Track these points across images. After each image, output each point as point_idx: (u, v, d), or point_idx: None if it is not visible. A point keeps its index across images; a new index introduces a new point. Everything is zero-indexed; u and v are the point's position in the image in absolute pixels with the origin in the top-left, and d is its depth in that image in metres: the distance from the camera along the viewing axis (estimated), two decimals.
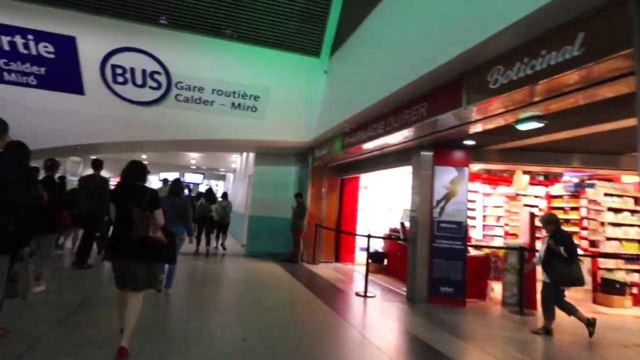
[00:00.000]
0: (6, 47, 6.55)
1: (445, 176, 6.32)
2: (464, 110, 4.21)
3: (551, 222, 5.03)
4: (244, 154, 13.90)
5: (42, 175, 5.13)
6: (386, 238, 8.44)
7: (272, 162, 10.65)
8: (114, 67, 7.01)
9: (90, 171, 6.70)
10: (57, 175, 5.30)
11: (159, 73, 7.19)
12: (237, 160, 17.38)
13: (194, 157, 18.24)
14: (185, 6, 6.52)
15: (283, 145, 9.38)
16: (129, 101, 7.48)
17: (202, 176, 24.64)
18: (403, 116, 5.46)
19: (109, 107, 7.54)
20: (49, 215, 4.80)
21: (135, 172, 3.53)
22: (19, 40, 6.49)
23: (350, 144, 7.29)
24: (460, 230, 6.08)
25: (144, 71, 7.13)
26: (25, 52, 6.64)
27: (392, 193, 10.26)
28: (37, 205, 3.05)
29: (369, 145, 6.82)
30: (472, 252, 6.64)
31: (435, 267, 6.02)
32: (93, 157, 18.70)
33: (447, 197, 6.26)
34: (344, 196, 9.90)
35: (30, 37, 6.49)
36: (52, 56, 6.76)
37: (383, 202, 10.34)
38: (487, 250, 6.87)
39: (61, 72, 6.98)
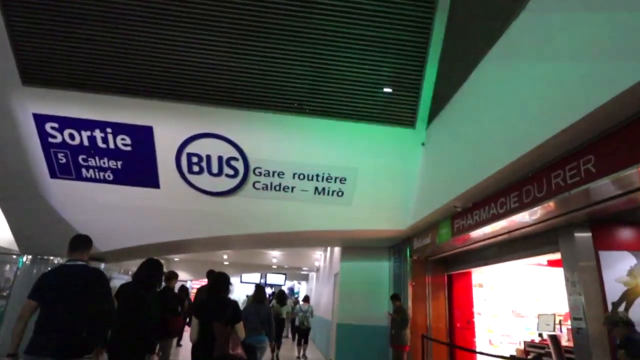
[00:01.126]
0: (86, 143, 6.53)
1: (618, 266, 4.56)
2: None
3: (618, 323, 3.85)
4: (328, 249, 12.81)
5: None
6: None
7: (362, 257, 9.37)
8: (189, 155, 6.65)
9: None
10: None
11: (235, 159, 6.67)
12: (320, 257, 16.32)
13: (274, 256, 17.56)
14: (263, 85, 6.13)
15: (374, 235, 8.16)
16: (204, 192, 6.97)
17: (284, 277, 23.71)
18: (550, 181, 4.05)
19: (183, 200, 7.08)
20: (164, 323, 5.01)
21: (220, 285, 3.82)
22: (98, 134, 6.46)
23: (464, 229, 5.87)
24: None
25: (220, 158, 6.67)
26: (103, 146, 6.56)
27: (518, 292, 8.21)
28: (109, 315, 3.32)
29: (491, 228, 5.35)
30: None
31: None
32: (176, 258, 18.90)
33: (627, 297, 4.43)
34: (453, 297, 8.10)
35: (109, 130, 6.43)
36: (129, 149, 6.59)
37: (506, 304, 8.28)
38: None
39: (137, 165, 6.76)
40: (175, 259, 18.73)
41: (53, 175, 6.84)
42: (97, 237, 7.91)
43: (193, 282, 20.81)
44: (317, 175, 6.89)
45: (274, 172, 6.83)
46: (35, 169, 6.76)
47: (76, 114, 6.32)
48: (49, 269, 3.40)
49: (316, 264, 17.72)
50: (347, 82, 6.10)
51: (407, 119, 6.51)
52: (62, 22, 5.60)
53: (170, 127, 6.47)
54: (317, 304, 14.42)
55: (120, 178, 6.88)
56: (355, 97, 6.25)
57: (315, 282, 20.03)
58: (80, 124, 6.40)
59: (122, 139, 6.53)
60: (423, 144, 6.67)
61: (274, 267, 19.38)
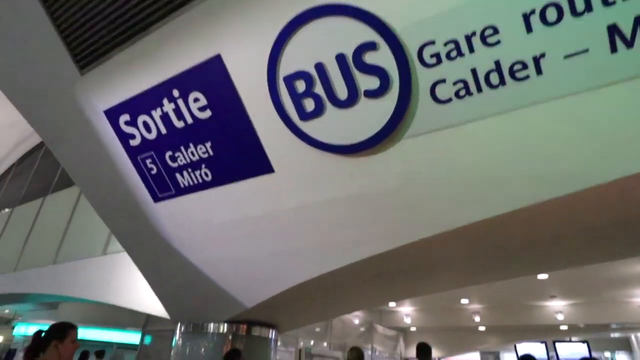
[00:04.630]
0: (162, 129, 3.89)
1: None
2: None
3: None
4: None
5: None
6: None
7: None
8: (289, 82, 3.10)
9: None
10: None
11: (372, 46, 2.72)
12: None
13: (558, 310, 10.86)
14: None
15: None
16: (339, 150, 3.13)
17: (585, 345, 14.21)
18: None
19: (312, 182, 3.43)
20: None
21: None
22: (168, 107, 3.75)
23: None
24: None
25: (340, 59, 2.84)
26: (180, 125, 3.78)
27: None
28: None
29: None
30: None
31: None
32: (412, 327, 12.95)
33: None
34: None
35: (175, 93, 3.65)
36: (208, 114, 3.60)
37: None
38: None
39: (229, 137, 3.64)
40: (412, 329, 13.89)
41: (155, 197, 4.41)
42: (235, 285, 4.93)
43: None
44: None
45: (470, 38, 2.48)
46: (138, 193, 4.52)
47: (137, 86, 3.85)
48: None
49: None
50: None
51: None
52: None
53: (243, 38, 3.20)
54: None
55: (219, 172, 3.84)
56: None
57: None
58: (146, 101, 3.85)
59: (196, 100, 3.58)
60: None
61: (561, 328, 11.82)
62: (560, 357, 13.77)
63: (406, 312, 12.96)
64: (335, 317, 9.89)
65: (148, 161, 4.17)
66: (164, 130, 3.90)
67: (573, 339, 14.16)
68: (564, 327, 11.80)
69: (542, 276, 8.25)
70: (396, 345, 13.87)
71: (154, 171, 4.20)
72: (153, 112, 3.86)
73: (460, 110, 2.65)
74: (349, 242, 3.52)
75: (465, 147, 2.78)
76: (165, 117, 3.83)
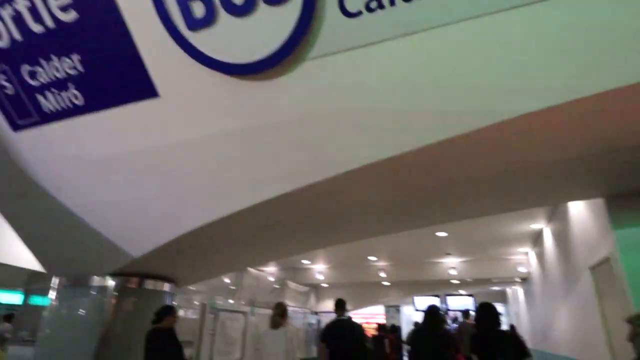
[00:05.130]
0: (16, 34, 2.99)
1: None
2: None
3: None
4: (546, 236, 6.76)
5: None
6: None
7: None
8: None
9: None
10: None
11: None
12: (526, 259, 9.98)
13: (452, 266, 11.71)
14: None
15: None
16: (228, 69, 2.59)
17: (471, 299, 15.92)
18: None
19: (200, 107, 2.87)
20: None
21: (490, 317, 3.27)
22: (20, 3, 2.86)
23: None
24: None
25: None
26: (39, 29, 2.93)
27: None
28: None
29: None
30: None
31: None
32: (324, 283, 13.71)
33: None
34: None
35: None
36: (72, 16, 2.80)
37: None
38: None
39: (99, 49, 2.90)
40: (324, 285, 14.35)
41: (14, 125, 3.50)
42: (118, 233, 4.18)
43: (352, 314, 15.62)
44: None
45: None
46: None
47: None
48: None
49: (520, 269, 11.05)
50: None
51: None
52: None
53: None
54: (535, 333, 8.18)
55: (92, 94, 3.08)
56: None
57: (524, 301, 12.97)
58: None
59: None
60: None
61: (453, 281, 12.86)
62: (449, 307, 15.52)
63: (319, 269, 13.15)
64: (240, 270, 9.54)
65: (1, 77, 3.24)
66: (18, 37, 3.00)
67: (461, 292, 15.73)
68: (455, 282, 12.88)
69: (442, 234, 8.66)
70: (307, 300, 14.14)
71: (10, 91, 3.28)
72: (1, 11, 2.93)
73: (370, 26, 2.26)
74: (246, 182, 3.06)
75: (372, 74, 2.42)
76: (18, 18, 2.93)
